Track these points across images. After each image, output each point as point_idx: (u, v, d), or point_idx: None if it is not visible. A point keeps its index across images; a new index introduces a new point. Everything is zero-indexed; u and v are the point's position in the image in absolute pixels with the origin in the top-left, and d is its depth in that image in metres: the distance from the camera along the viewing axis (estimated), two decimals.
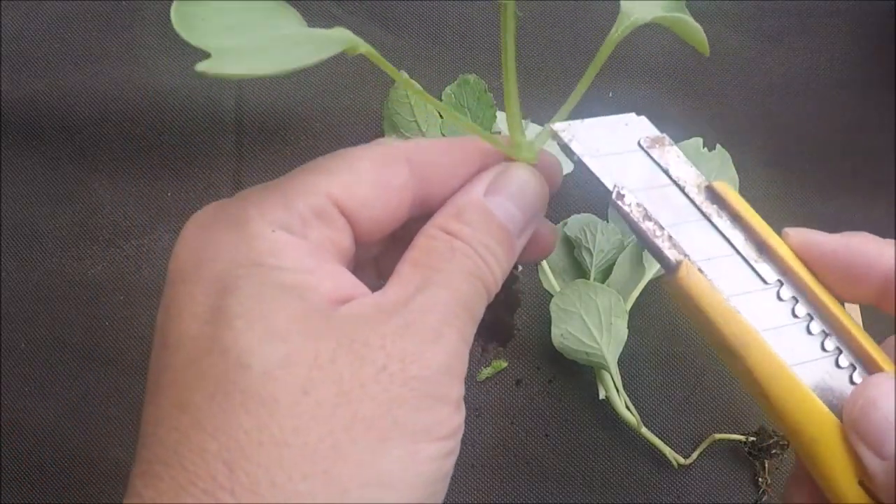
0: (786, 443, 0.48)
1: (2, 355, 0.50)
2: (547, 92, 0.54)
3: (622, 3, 0.30)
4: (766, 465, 0.49)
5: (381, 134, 0.53)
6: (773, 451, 0.48)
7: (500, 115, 0.53)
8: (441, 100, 0.53)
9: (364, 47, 0.26)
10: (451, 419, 0.25)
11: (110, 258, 0.52)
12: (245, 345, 0.23)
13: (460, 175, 0.29)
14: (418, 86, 0.27)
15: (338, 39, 0.25)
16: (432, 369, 0.24)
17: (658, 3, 0.30)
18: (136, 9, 0.55)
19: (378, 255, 0.31)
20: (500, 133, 0.53)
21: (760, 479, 0.49)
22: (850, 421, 0.28)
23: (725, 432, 0.49)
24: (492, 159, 0.29)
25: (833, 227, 0.54)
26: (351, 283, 0.26)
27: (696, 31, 0.30)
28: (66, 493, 0.49)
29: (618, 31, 0.30)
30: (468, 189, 0.28)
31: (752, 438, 0.49)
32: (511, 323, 0.33)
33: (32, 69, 0.53)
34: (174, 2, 0.24)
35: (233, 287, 0.24)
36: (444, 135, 0.52)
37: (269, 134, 0.53)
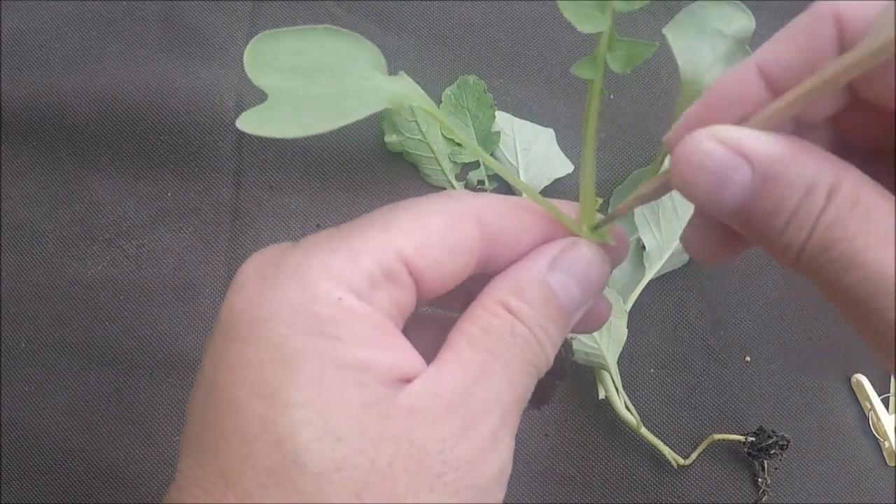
0: (785, 443, 0.48)
1: (2, 355, 0.50)
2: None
3: (681, 68, 0.29)
4: (766, 465, 0.49)
5: (380, 134, 0.53)
6: (773, 452, 0.48)
7: (500, 116, 0.53)
8: (440, 101, 0.53)
9: (417, 101, 0.25)
10: None
11: (110, 258, 0.52)
12: (302, 441, 0.23)
13: (526, 240, 0.28)
14: (475, 145, 0.27)
15: (389, 93, 0.24)
16: (486, 478, 0.25)
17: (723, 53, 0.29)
18: (136, 9, 0.55)
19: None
20: (499, 133, 0.53)
21: (760, 479, 0.49)
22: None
23: (725, 432, 0.49)
24: (559, 229, 0.29)
25: None
26: (408, 356, 0.26)
27: None
28: (66, 493, 0.49)
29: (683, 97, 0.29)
30: (531, 262, 0.28)
31: (751, 438, 0.49)
32: (552, 391, 0.32)
33: (32, 69, 0.53)
34: (252, 41, 0.24)
35: (291, 362, 0.24)
36: (444, 136, 0.52)
37: None
